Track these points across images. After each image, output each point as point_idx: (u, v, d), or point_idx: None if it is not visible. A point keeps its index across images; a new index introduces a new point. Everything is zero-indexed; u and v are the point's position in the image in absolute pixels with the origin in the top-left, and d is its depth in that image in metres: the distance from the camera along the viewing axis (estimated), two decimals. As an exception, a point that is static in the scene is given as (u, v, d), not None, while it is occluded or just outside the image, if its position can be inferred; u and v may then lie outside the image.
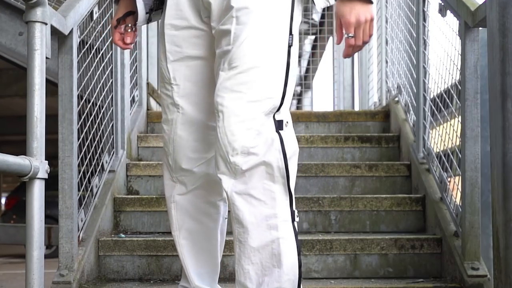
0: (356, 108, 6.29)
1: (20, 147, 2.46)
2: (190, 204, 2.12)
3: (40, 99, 1.97)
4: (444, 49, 3.20)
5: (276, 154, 1.85)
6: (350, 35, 1.88)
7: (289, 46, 1.90)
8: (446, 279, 2.89)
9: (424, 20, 3.53)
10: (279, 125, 1.88)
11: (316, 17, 8.16)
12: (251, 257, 1.86)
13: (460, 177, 2.81)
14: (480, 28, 2.64)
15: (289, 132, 1.92)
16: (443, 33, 3.22)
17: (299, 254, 1.88)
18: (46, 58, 2.05)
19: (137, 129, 4.10)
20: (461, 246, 2.75)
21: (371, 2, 1.87)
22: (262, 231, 1.85)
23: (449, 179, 3.10)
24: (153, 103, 4.66)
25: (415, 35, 3.65)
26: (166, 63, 2.06)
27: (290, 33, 1.90)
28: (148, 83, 4.51)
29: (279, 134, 1.87)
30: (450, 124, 3.13)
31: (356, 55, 6.17)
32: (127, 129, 3.71)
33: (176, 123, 2.07)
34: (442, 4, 3.00)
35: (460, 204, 2.81)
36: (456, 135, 3.00)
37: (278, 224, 1.84)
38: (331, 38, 7.37)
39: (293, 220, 1.88)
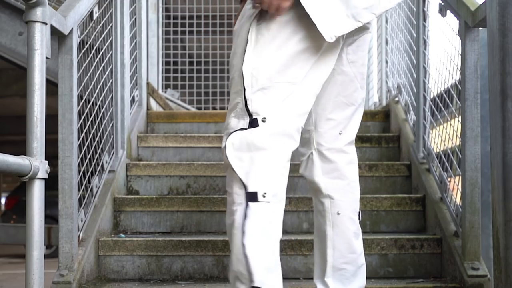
0: (356, 108, 6.27)
1: (20, 147, 2.45)
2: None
3: (40, 99, 1.97)
4: (444, 49, 3.20)
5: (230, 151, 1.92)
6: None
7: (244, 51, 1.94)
8: (446, 279, 2.89)
9: (424, 20, 3.53)
10: (252, 123, 1.92)
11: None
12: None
13: (460, 177, 2.81)
14: (480, 28, 2.64)
15: (260, 131, 1.90)
16: (443, 33, 3.22)
17: (243, 236, 1.87)
18: (46, 58, 2.05)
19: (137, 129, 4.10)
20: (461, 246, 2.75)
21: None
22: (228, 217, 1.94)
23: (449, 179, 3.10)
24: (153, 103, 4.66)
25: (415, 35, 3.65)
26: None
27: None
28: (148, 83, 4.50)
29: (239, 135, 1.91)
30: (450, 124, 3.13)
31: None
32: (127, 129, 3.71)
33: None
34: (442, 4, 3.00)
35: (460, 204, 2.81)
36: (456, 135, 3.00)
37: (233, 209, 1.91)
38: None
39: (250, 200, 1.88)
